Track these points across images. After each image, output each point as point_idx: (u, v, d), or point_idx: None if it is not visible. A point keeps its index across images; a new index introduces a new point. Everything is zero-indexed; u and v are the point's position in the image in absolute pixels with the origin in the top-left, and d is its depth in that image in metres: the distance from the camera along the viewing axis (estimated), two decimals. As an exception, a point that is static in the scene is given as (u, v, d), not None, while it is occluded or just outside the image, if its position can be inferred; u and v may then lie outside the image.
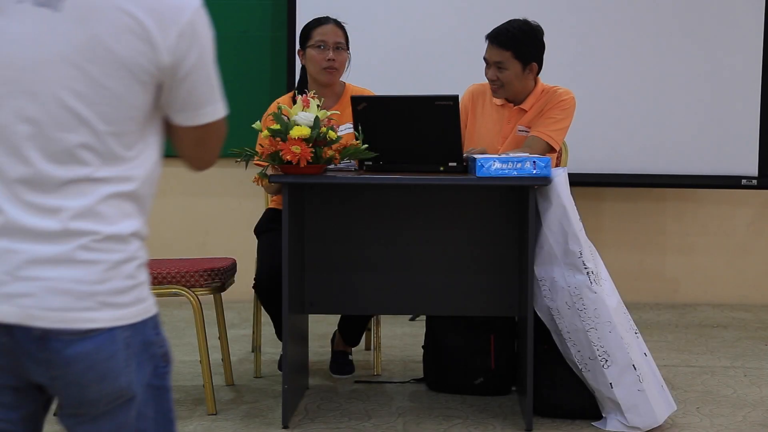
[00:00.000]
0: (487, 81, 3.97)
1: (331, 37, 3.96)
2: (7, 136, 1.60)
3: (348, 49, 4.03)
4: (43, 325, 1.60)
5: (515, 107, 3.96)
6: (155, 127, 1.71)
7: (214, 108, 1.71)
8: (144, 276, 1.69)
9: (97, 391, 1.66)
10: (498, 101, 3.99)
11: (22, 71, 1.59)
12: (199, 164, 1.81)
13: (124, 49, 1.59)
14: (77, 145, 1.60)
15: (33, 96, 1.59)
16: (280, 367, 3.95)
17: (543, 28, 3.97)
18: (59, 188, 1.60)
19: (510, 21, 3.91)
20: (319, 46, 3.95)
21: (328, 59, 3.93)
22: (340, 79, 4.09)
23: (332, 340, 4.18)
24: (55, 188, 1.60)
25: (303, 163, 3.23)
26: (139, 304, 1.68)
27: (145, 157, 1.67)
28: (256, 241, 4.00)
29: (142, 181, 1.67)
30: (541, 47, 3.94)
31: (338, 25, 4.03)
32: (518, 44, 3.83)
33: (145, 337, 1.70)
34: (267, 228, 3.95)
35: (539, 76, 4.00)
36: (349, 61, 4.05)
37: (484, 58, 3.91)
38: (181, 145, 1.75)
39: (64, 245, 1.59)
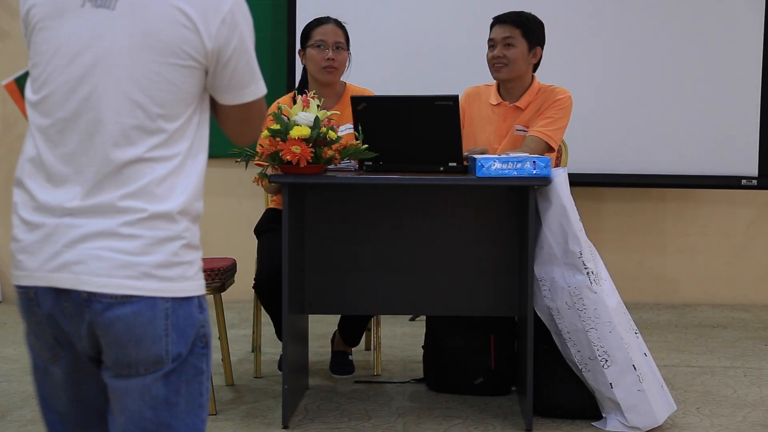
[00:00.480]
0: (480, 85, 4.00)
1: (330, 36, 3.97)
2: (77, 125, 1.80)
3: (348, 48, 4.03)
4: (88, 288, 1.78)
5: (511, 105, 3.96)
6: (203, 108, 1.90)
7: (255, 88, 1.91)
8: (191, 257, 1.85)
9: (135, 353, 1.81)
10: (494, 100, 3.99)
11: (86, 66, 1.80)
12: (242, 139, 2.02)
13: (173, 38, 1.79)
14: (132, 127, 1.79)
15: (96, 86, 1.79)
16: (280, 367, 3.95)
17: (544, 28, 4.00)
18: (118, 170, 1.79)
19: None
20: (318, 46, 3.96)
21: (327, 58, 3.93)
22: (341, 80, 4.09)
23: (332, 340, 4.18)
24: (115, 170, 1.79)
25: (303, 163, 3.23)
26: (182, 281, 1.83)
27: (192, 136, 1.86)
28: (256, 241, 4.00)
29: (189, 156, 1.85)
30: (544, 39, 3.98)
31: (339, 24, 4.03)
32: (527, 25, 3.91)
33: (188, 313, 1.84)
34: (267, 228, 3.95)
35: (535, 75, 4.01)
36: (350, 61, 4.05)
37: (490, 39, 3.94)
38: (227, 123, 1.96)
39: (111, 220, 1.78)
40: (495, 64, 3.91)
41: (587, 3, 5.30)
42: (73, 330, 1.83)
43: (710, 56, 5.28)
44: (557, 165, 4.10)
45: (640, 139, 5.31)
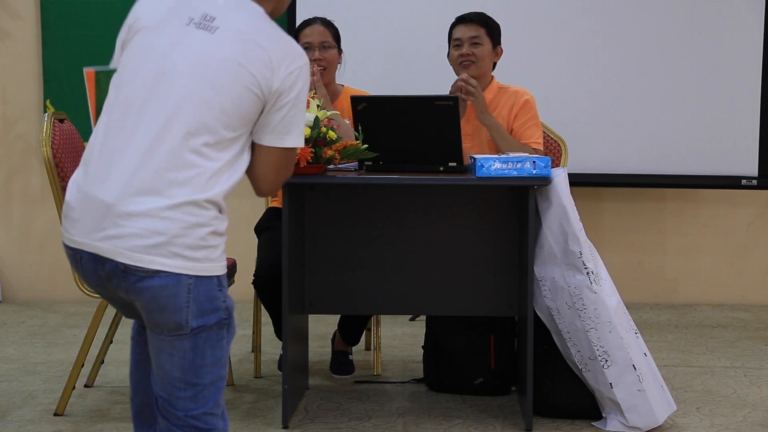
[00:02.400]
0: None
1: (316, 37, 3.99)
2: (150, 110, 2.17)
3: (338, 46, 4.05)
4: (125, 261, 2.14)
5: (472, 104, 3.96)
6: (248, 141, 2.26)
7: (296, 138, 2.30)
8: (216, 242, 2.21)
9: (160, 318, 2.19)
10: None
11: (183, 66, 2.19)
12: (267, 185, 2.34)
13: (254, 69, 2.19)
14: (199, 122, 2.15)
15: (184, 86, 2.17)
16: (280, 367, 3.95)
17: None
18: (173, 155, 2.14)
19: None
20: (306, 48, 3.95)
21: (314, 59, 3.93)
22: (339, 83, 4.09)
23: (332, 340, 4.18)
24: (170, 155, 2.14)
25: (303, 163, 3.23)
26: (206, 262, 2.18)
27: (237, 151, 2.22)
28: (256, 240, 4.00)
29: (229, 165, 2.21)
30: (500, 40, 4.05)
31: (325, 23, 4.04)
32: (490, 24, 4.01)
33: (208, 290, 2.20)
34: (267, 226, 3.95)
35: (495, 76, 4.02)
36: (342, 58, 4.06)
37: (456, 39, 3.99)
38: (260, 165, 2.30)
39: (155, 203, 2.12)
40: (463, 61, 3.96)
41: (587, 3, 5.30)
42: (112, 288, 2.22)
43: (710, 56, 5.28)
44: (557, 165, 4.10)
45: (640, 139, 5.31)
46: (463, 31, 3.97)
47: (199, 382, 2.24)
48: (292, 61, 2.24)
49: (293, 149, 2.31)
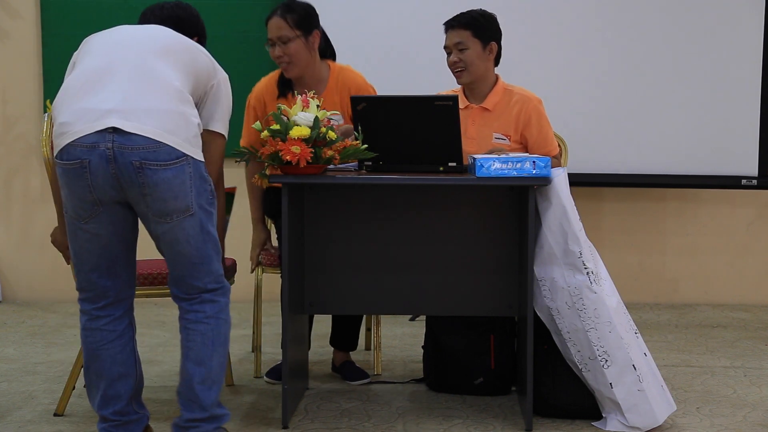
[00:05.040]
0: (449, 91, 3.97)
1: (274, 32, 3.78)
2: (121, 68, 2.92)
3: (303, 31, 3.78)
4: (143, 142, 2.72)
5: (477, 107, 3.93)
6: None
7: (223, 125, 3.08)
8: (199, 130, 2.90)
9: (173, 205, 2.77)
10: (461, 104, 3.92)
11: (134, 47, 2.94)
12: (215, 167, 3.02)
13: (200, 62, 3.01)
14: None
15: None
16: (268, 374, 3.93)
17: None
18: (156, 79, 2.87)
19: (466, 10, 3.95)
20: (270, 44, 3.81)
21: (275, 57, 3.79)
22: (323, 61, 3.91)
23: (333, 363, 4.14)
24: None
25: (303, 163, 3.22)
26: (198, 149, 2.83)
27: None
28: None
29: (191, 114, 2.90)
30: (499, 32, 3.93)
31: (284, 14, 3.77)
32: (477, 24, 3.87)
33: (200, 173, 2.83)
34: (276, 211, 3.88)
35: (500, 75, 3.98)
36: (311, 40, 3.80)
37: (445, 47, 3.91)
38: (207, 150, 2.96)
39: (167, 108, 2.80)
40: (454, 70, 3.90)
41: (587, 3, 5.30)
42: (115, 188, 2.73)
43: (710, 56, 5.28)
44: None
45: (640, 139, 5.31)
46: (449, 38, 3.88)
47: (206, 252, 2.86)
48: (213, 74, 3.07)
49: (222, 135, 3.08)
